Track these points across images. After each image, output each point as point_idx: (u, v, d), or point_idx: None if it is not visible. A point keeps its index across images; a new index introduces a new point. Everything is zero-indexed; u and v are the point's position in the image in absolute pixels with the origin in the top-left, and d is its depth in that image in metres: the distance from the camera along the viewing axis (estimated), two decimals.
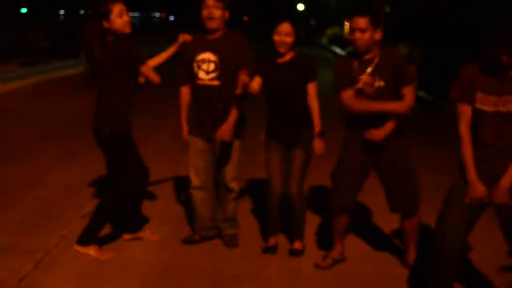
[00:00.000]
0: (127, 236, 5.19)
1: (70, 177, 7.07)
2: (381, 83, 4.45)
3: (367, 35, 4.39)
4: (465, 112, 3.89)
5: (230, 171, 5.05)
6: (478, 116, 3.85)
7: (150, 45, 30.11)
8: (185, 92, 5.11)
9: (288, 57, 4.85)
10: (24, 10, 32.48)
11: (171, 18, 75.19)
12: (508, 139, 3.80)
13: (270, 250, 5.10)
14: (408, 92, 4.41)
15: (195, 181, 5.15)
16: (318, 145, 4.88)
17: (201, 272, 4.73)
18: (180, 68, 5.05)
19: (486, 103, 3.81)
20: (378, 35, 4.46)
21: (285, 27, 4.74)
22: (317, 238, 5.44)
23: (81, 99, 12.56)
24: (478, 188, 3.82)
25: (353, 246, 5.23)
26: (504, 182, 3.77)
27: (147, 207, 5.95)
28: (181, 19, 43.33)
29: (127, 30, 4.69)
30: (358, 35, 4.39)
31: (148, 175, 5.08)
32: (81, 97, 13.08)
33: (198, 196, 5.19)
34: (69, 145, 8.57)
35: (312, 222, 5.62)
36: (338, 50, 32.14)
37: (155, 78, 4.73)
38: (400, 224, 4.87)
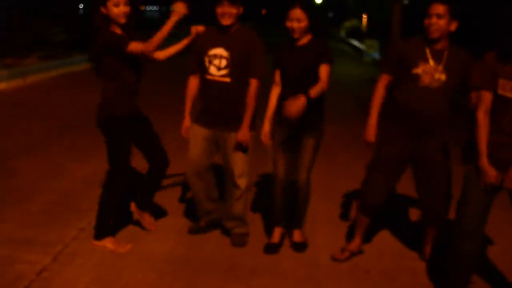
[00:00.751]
0: (133, 207, 5.16)
1: (88, 170, 7.09)
2: (442, 77, 4.35)
3: (443, 22, 4.29)
4: (486, 99, 3.92)
5: (237, 166, 4.93)
6: (499, 102, 3.87)
7: (170, 37, 30.15)
8: (193, 83, 5.05)
9: (305, 40, 4.78)
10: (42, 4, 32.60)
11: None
12: None
13: (272, 247, 4.98)
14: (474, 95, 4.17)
15: (188, 168, 5.06)
16: (294, 104, 4.40)
17: (217, 264, 4.74)
18: (191, 60, 5.01)
19: (508, 89, 3.81)
20: (453, 26, 4.35)
21: (296, 12, 4.66)
22: (332, 229, 5.42)
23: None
24: (491, 173, 3.87)
25: (370, 239, 5.21)
26: None
27: (164, 200, 5.98)
28: (199, 13, 43.35)
29: (121, 20, 4.65)
30: (434, 20, 4.30)
31: (167, 163, 5.08)
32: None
33: (192, 181, 5.10)
34: (88, 137, 8.58)
35: (327, 213, 5.60)
36: (355, 43, 32.00)
37: (147, 47, 4.62)
38: (421, 218, 4.86)
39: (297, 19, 4.66)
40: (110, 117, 4.78)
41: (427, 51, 4.39)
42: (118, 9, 4.63)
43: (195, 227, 5.30)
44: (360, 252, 4.95)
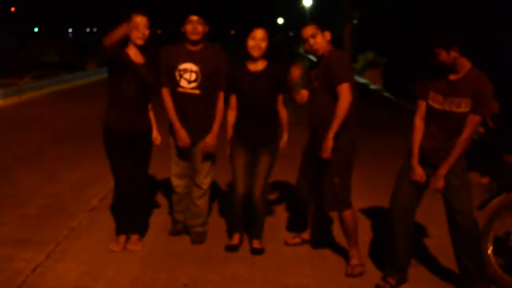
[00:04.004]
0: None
1: (78, 176, 7.02)
2: (315, 84, 4.40)
3: (319, 39, 4.31)
4: (420, 106, 4.05)
5: (203, 169, 4.86)
6: (430, 112, 3.98)
7: None
8: (168, 94, 4.80)
9: (260, 66, 4.64)
10: (36, 29, 32.29)
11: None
12: (450, 133, 3.89)
13: (232, 248, 4.83)
14: (340, 91, 4.22)
15: (176, 181, 5.01)
16: (283, 141, 4.71)
17: (194, 256, 4.73)
18: (162, 74, 4.76)
19: (436, 101, 3.93)
20: (328, 36, 4.37)
21: (260, 32, 4.54)
22: (293, 225, 5.42)
23: (88, 107, 12.53)
24: (418, 172, 4.01)
25: (303, 247, 5.03)
26: (441, 170, 3.92)
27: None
28: (170, 34, 43.32)
29: (138, 42, 4.54)
30: (312, 41, 4.31)
31: (142, 187, 4.83)
32: (88, 104, 13.06)
33: (179, 190, 5.04)
34: (77, 147, 8.51)
35: (289, 210, 5.61)
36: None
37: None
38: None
39: (260, 38, 4.54)
40: (103, 128, 4.69)
41: (314, 72, 4.44)
42: (139, 32, 4.50)
43: (174, 229, 5.17)
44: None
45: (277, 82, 4.63)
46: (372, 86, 18.74)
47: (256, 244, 4.83)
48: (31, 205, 5.90)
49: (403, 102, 14.15)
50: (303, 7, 40.16)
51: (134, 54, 4.60)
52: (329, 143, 4.22)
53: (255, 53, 4.58)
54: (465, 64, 3.82)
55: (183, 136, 4.79)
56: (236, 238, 4.89)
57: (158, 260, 4.63)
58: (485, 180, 4.39)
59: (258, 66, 4.66)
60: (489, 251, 4.22)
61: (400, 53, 16.79)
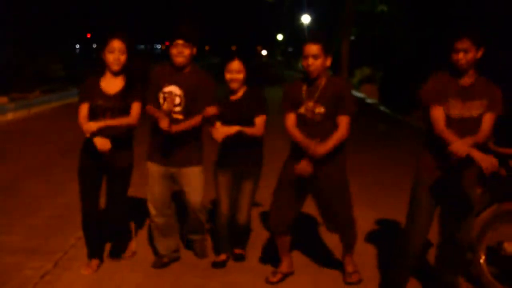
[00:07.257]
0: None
1: None
2: (321, 110, 3.98)
3: (319, 62, 3.96)
4: (441, 114, 3.67)
5: (195, 194, 4.54)
6: (446, 120, 3.68)
7: None
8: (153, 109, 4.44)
9: (240, 93, 4.50)
10: (43, 44, 32.29)
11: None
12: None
13: (219, 264, 4.69)
14: (342, 122, 3.98)
15: (152, 211, 4.58)
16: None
17: (196, 265, 4.74)
18: (149, 93, 4.45)
19: (452, 108, 3.67)
20: (328, 62, 4.02)
21: (235, 64, 4.40)
22: (266, 254, 5.07)
23: None
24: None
25: (300, 257, 4.95)
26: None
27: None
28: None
29: (113, 67, 4.29)
30: (311, 61, 3.96)
31: (117, 218, 4.64)
32: None
33: (159, 223, 4.63)
34: None
35: (260, 239, 5.37)
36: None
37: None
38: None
39: (236, 70, 4.40)
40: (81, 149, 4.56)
41: (307, 90, 4.06)
42: (113, 55, 4.26)
43: (158, 263, 4.70)
44: (291, 272, 4.53)
45: (255, 106, 4.45)
46: (369, 100, 18.80)
47: (238, 250, 4.81)
48: (40, 215, 5.93)
49: (399, 116, 14.22)
50: (302, 23, 40.29)
51: (107, 83, 4.36)
52: (321, 152, 3.93)
53: (233, 86, 4.46)
54: (475, 70, 3.68)
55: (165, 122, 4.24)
56: (223, 256, 4.75)
57: (162, 270, 4.63)
58: (477, 191, 4.39)
59: (238, 94, 4.52)
60: (482, 261, 4.22)
61: (396, 68, 16.84)
